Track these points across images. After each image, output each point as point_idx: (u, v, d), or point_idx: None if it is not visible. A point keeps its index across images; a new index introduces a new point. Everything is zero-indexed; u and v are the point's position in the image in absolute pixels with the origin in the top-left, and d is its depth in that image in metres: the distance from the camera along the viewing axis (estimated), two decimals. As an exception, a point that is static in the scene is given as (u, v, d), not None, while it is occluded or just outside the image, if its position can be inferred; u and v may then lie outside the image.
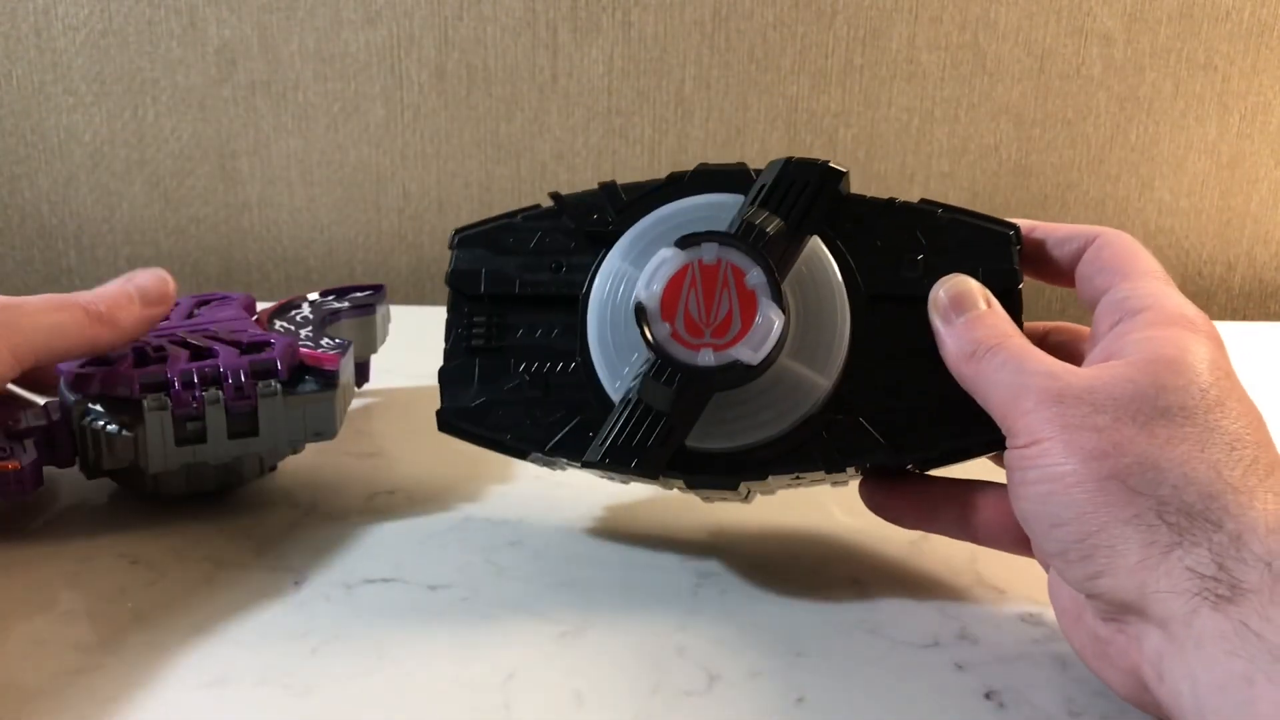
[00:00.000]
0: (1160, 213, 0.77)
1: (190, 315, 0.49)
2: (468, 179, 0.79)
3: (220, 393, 0.40)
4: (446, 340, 0.39)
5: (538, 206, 0.39)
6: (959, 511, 0.36)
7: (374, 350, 0.55)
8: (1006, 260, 0.35)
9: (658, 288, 0.35)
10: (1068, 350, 0.36)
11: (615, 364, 0.37)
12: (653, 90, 0.76)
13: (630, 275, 0.37)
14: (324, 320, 0.51)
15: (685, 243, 0.35)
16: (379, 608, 0.37)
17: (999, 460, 0.32)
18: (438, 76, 0.76)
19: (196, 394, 0.40)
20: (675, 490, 0.38)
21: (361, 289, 0.55)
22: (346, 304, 0.53)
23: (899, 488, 0.37)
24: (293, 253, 0.81)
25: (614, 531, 0.43)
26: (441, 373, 0.39)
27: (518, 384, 0.38)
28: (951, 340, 0.34)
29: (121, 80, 0.77)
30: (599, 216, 0.38)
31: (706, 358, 0.34)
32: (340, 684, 0.33)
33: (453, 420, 0.39)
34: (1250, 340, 0.69)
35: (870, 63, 0.75)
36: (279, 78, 0.77)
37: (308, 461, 0.48)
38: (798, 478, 0.36)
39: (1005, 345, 0.32)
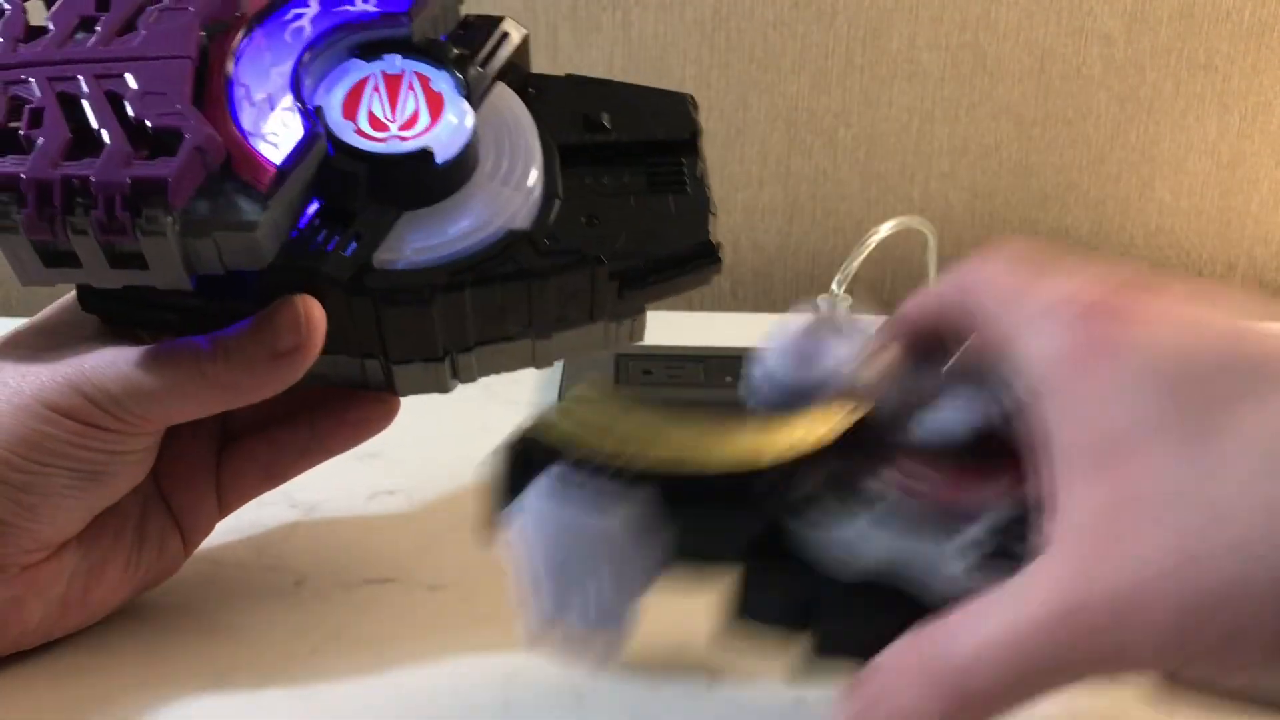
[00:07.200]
0: (1160, 213, 0.77)
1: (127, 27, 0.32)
2: (468, 179, 0.79)
3: (89, 221, 0.28)
4: None
5: None
6: None
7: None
8: (685, 119, 0.36)
9: (338, 93, 0.33)
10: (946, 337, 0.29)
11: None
12: (653, 90, 0.76)
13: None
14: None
15: (367, 52, 0.33)
16: (379, 608, 0.37)
17: None
18: (438, 76, 0.76)
19: (59, 218, 0.28)
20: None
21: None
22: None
23: None
24: (293, 253, 0.81)
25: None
26: None
27: None
28: None
29: (122, 80, 0.77)
30: None
31: (394, 146, 0.32)
32: (340, 684, 0.33)
33: (92, 301, 0.34)
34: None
35: (870, 62, 0.75)
36: (279, 78, 0.77)
37: (308, 461, 0.48)
38: (501, 308, 0.33)
39: None
